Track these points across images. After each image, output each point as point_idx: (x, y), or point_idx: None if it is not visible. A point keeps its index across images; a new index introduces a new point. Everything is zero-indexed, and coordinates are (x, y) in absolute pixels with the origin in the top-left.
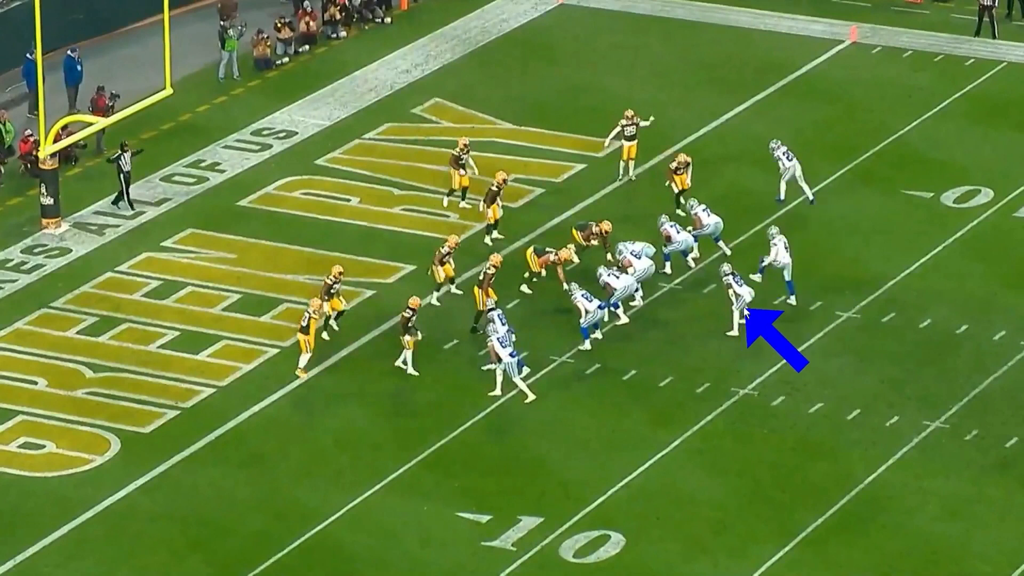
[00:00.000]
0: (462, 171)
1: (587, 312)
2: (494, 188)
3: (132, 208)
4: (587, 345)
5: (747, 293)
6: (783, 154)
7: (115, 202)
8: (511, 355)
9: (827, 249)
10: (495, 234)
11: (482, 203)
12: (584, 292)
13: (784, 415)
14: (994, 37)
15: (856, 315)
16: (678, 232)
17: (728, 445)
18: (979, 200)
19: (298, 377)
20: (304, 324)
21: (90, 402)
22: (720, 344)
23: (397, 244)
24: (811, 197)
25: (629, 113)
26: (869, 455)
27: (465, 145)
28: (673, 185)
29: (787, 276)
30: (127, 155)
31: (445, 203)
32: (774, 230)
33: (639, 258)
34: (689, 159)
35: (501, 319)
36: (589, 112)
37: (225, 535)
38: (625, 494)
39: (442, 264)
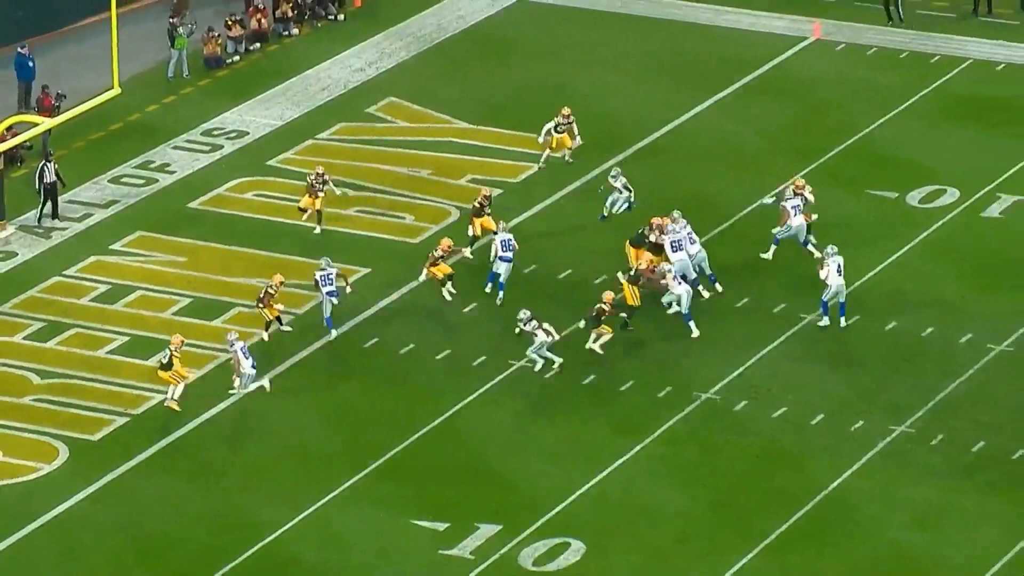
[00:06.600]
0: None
1: (680, 295)
2: (476, 204)
3: (58, 219)
4: (695, 331)
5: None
6: (622, 185)
7: (39, 220)
8: (252, 366)
9: (791, 251)
10: (467, 251)
11: (469, 227)
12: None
13: (748, 420)
14: (989, 12)
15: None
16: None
17: (691, 451)
18: (945, 200)
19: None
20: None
21: (37, 409)
22: (683, 347)
23: (351, 246)
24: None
25: (566, 111)
26: (834, 461)
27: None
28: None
29: (825, 297)
30: (51, 165)
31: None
32: (831, 249)
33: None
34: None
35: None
36: (547, 110)
37: (174, 546)
38: (586, 501)
39: (434, 266)
